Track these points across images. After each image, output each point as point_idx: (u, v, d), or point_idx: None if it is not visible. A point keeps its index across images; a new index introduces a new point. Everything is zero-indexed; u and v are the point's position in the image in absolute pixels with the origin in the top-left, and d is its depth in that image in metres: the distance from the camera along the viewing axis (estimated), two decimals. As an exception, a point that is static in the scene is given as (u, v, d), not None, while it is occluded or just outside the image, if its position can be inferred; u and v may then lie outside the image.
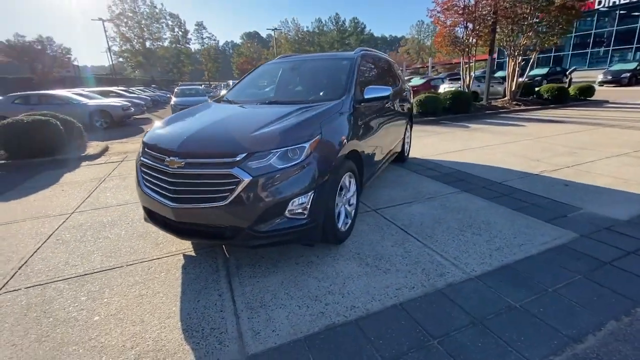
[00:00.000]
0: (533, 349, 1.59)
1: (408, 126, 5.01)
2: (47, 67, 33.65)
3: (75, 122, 7.36)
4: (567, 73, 16.36)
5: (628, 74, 19.91)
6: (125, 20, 47.48)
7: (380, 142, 3.48)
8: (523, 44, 11.55)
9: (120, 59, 51.36)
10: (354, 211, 2.81)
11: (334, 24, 78.28)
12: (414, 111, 9.90)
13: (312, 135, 2.21)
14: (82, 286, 2.26)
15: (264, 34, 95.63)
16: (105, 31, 39.00)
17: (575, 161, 4.79)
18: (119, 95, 16.88)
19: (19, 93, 11.18)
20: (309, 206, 2.14)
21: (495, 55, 29.67)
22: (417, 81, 19.68)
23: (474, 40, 11.66)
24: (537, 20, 11.13)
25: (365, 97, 2.93)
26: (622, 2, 27.03)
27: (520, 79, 12.55)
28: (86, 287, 2.26)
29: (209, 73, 60.21)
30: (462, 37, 11.70)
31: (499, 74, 19.83)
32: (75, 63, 47.21)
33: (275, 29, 62.94)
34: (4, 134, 5.85)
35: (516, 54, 11.72)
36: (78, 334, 1.83)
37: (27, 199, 4.20)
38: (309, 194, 2.12)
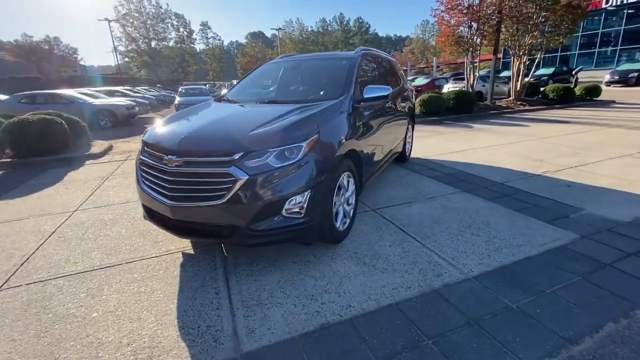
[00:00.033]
0: (528, 350, 1.58)
1: (410, 126, 5.00)
2: (55, 66, 34.04)
3: (80, 121, 7.45)
4: (573, 73, 16.16)
5: (635, 74, 19.64)
6: (131, 20, 47.87)
7: (380, 142, 3.47)
8: (528, 43, 11.46)
9: (126, 59, 51.77)
10: (352, 211, 2.81)
11: (338, 23, 78.29)
12: (417, 111, 9.88)
13: (310, 134, 2.21)
14: (81, 283, 2.29)
15: (268, 34, 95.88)
16: (112, 31, 39.55)
17: (578, 162, 4.74)
18: (124, 95, 17.03)
19: (25, 92, 11.33)
20: (305, 205, 2.14)
21: (501, 55, 29.46)
22: (421, 81, 19.60)
23: (478, 39, 11.59)
24: (543, 19, 11.03)
25: (365, 96, 2.93)
26: (630, 1, 26.66)
27: (525, 79, 12.45)
28: (86, 284, 2.28)
29: (213, 73, 60.53)
30: (466, 37, 11.63)
31: (504, 73, 19.72)
32: (82, 63, 47.77)
33: (280, 28, 63.08)
34: (10, 132, 5.93)
35: (521, 53, 11.63)
36: (76, 330, 1.85)
37: (32, 196, 4.25)
38: (306, 193, 2.12)
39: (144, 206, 2.52)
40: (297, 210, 2.14)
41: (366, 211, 3.28)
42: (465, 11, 11.05)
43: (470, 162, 4.94)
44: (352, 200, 2.79)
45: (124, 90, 18.49)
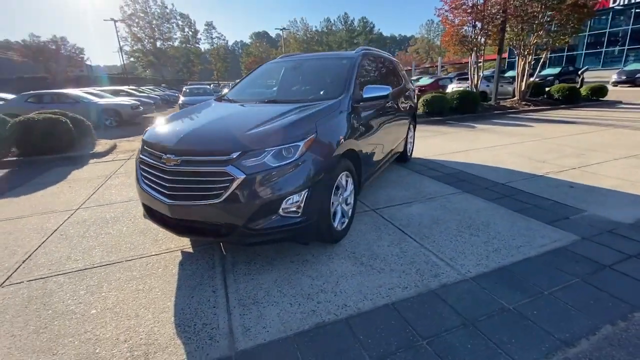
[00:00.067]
0: (523, 351, 1.57)
1: (411, 126, 4.98)
2: (61, 66, 34.42)
3: (85, 121, 7.53)
4: (579, 73, 16.02)
5: (643, 74, 19.39)
6: (136, 20, 48.22)
7: (380, 142, 3.47)
8: (533, 43, 11.35)
9: (132, 59, 52.16)
10: (351, 210, 2.81)
11: (342, 23, 78.19)
12: (420, 111, 9.86)
13: (307, 134, 2.21)
14: (81, 280, 2.32)
15: (273, 34, 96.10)
16: (117, 31, 39.77)
17: (582, 162, 4.70)
18: (129, 95, 17.16)
19: (31, 92, 11.46)
20: (302, 205, 2.14)
21: (506, 55, 29.29)
22: (425, 81, 19.50)
23: (483, 39, 11.51)
24: (548, 18, 10.93)
25: (364, 96, 2.93)
26: (637, 0, 26.32)
27: (530, 79, 12.35)
28: (86, 281, 2.31)
29: (218, 73, 60.74)
30: (470, 36, 11.56)
31: (509, 73, 19.52)
32: (88, 63, 48.26)
33: (284, 28, 63.19)
34: (16, 131, 6.01)
35: (526, 53, 11.53)
36: (75, 326, 1.87)
37: (36, 194, 4.30)
38: (303, 192, 2.13)
39: (144, 205, 2.54)
40: (294, 209, 2.14)
41: (365, 211, 3.28)
42: (469, 10, 10.98)
43: (472, 163, 4.91)
44: (351, 200, 2.79)
45: (129, 90, 18.63)
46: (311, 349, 1.64)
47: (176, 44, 54.85)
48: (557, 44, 11.52)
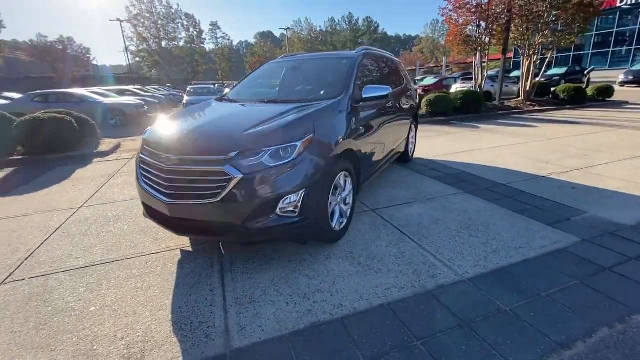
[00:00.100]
0: (518, 353, 1.57)
1: (412, 126, 4.96)
2: (68, 66, 34.85)
3: (89, 120, 7.61)
4: (585, 73, 15.84)
5: (651, 74, 19.13)
6: (142, 20, 48.48)
7: (380, 142, 3.46)
8: (538, 43, 11.26)
9: (137, 59, 52.52)
10: (350, 210, 2.81)
11: (347, 23, 78.11)
12: (424, 111, 9.83)
13: (305, 134, 2.22)
14: (82, 278, 2.34)
15: (277, 34, 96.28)
16: (123, 31, 40.04)
17: (586, 163, 4.65)
18: (134, 94, 17.28)
19: (38, 91, 11.61)
20: (300, 204, 2.15)
21: (512, 55, 29.04)
22: (429, 81, 19.42)
23: (487, 39, 11.44)
24: (554, 18, 10.82)
25: (364, 96, 2.92)
26: (646, -1, 25.98)
27: (536, 79, 12.24)
28: (86, 279, 2.34)
29: (222, 72, 60.95)
30: (475, 36, 11.49)
31: (515, 73, 19.35)
32: (95, 62, 48.81)
33: (288, 28, 63.22)
34: (22, 130, 6.09)
35: (531, 53, 11.44)
36: (74, 323, 1.90)
37: (40, 193, 4.36)
38: (300, 192, 2.14)
39: (144, 204, 2.57)
40: (291, 209, 2.15)
41: (365, 211, 3.28)
42: (473, 10, 10.92)
43: (475, 163, 4.88)
44: (350, 200, 2.79)
45: (134, 90, 18.76)
46: (306, 348, 1.64)
47: (181, 44, 55.10)
48: (562, 44, 11.40)
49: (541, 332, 1.69)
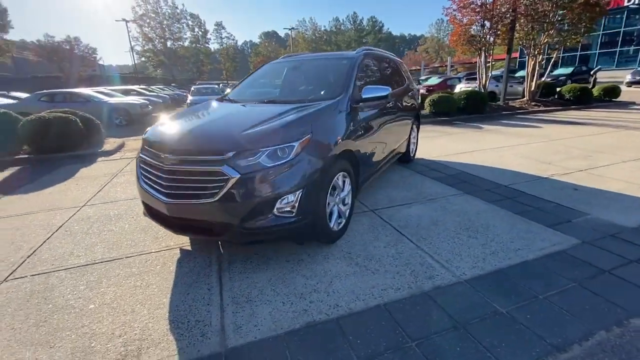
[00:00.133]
0: (513, 356, 1.56)
1: (414, 126, 4.95)
2: (75, 66, 35.20)
3: (94, 119, 7.68)
4: (592, 73, 15.66)
5: (659, 74, 18.88)
6: (147, 20, 48.86)
7: (380, 142, 3.46)
8: (544, 42, 11.16)
9: (143, 58, 52.92)
10: (348, 211, 2.81)
11: (351, 23, 78.03)
12: (427, 111, 9.79)
13: (302, 134, 2.23)
14: (82, 276, 2.37)
15: (282, 34, 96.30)
16: (129, 31, 40.39)
17: (589, 165, 4.60)
18: (139, 94, 17.41)
19: (44, 91, 11.75)
20: (297, 205, 2.16)
21: (517, 54, 28.82)
22: (433, 80, 19.33)
23: (491, 38, 11.36)
24: (559, 17, 10.72)
25: (363, 96, 2.92)
26: (655, -2, 25.63)
27: (541, 79, 12.14)
28: (86, 277, 2.37)
29: (226, 72, 61.17)
30: (479, 36, 11.41)
31: (520, 73, 19.21)
32: (101, 62, 49.28)
33: (293, 28, 63.28)
34: (28, 130, 6.17)
35: (536, 52, 11.34)
36: (73, 320, 1.92)
37: (44, 191, 4.42)
38: (297, 192, 2.14)
39: (144, 203, 2.59)
40: (288, 209, 2.16)
41: (364, 211, 3.28)
42: (478, 10, 10.85)
43: (476, 164, 4.86)
44: (349, 201, 2.79)
45: (139, 89, 18.90)
46: (300, 348, 1.65)
47: (186, 43, 55.43)
48: (568, 44, 11.30)
49: (537, 334, 1.68)
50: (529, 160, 4.95)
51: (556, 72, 21.28)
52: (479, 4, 10.85)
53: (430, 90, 15.25)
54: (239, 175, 2.02)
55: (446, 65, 41.55)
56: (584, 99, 11.64)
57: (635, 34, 27.86)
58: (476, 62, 12.62)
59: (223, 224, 2.15)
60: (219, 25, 66.38)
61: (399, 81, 4.42)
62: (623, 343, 1.61)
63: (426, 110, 9.89)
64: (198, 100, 13.49)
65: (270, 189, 2.08)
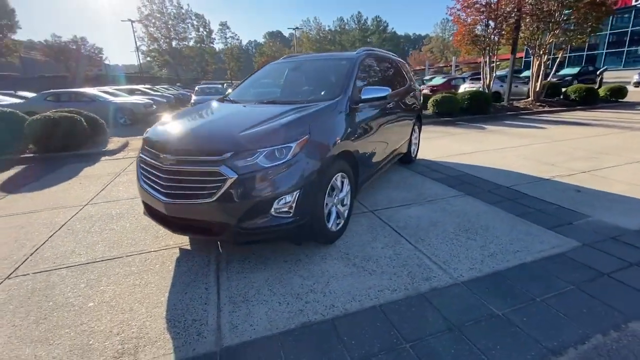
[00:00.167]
0: (508, 359, 1.55)
1: (416, 127, 4.94)
2: (81, 66, 35.58)
3: (98, 119, 7.77)
4: (598, 73, 15.49)
5: (667, 75, 18.60)
6: (153, 20, 49.15)
7: (380, 143, 3.46)
8: (549, 42, 11.05)
9: (148, 58, 53.26)
10: (347, 212, 2.81)
11: (356, 22, 77.90)
12: (430, 111, 9.76)
13: (300, 135, 2.24)
14: (83, 274, 2.40)
15: (286, 34, 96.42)
16: (134, 32, 40.72)
17: (592, 166, 4.56)
18: (144, 94, 17.54)
19: (50, 90, 11.89)
20: (294, 205, 2.17)
21: (522, 54, 28.56)
22: (437, 81, 19.24)
23: (496, 38, 11.28)
24: (565, 17, 10.62)
25: (363, 97, 2.92)
26: (664, -3, 25.27)
27: (547, 79, 12.03)
28: (86, 275, 2.39)
29: (231, 72, 61.38)
30: (483, 36, 11.34)
31: (525, 73, 19.02)
32: (107, 62, 49.72)
33: (297, 28, 63.32)
34: (33, 129, 6.25)
35: (541, 52, 11.24)
36: (72, 318, 1.95)
37: (48, 190, 4.47)
38: (295, 193, 2.15)
39: (144, 202, 2.62)
40: (286, 209, 2.17)
41: (364, 212, 3.28)
42: (482, 9, 10.78)
43: (478, 165, 4.83)
44: (347, 201, 2.80)
45: (144, 89, 19.04)
46: (295, 348, 1.66)
47: (191, 43, 55.65)
48: (574, 44, 11.19)
49: (533, 337, 1.67)
50: (531, 162, 4.92)
51: (562, 72, 21.04)
52: (484, 3, 10.79)
53: (434, 90, 15.19)
54: (236, 176, 2.03)
55: (451, 65, 41.33)
56: (589, 100, 11.52)
57: (643, 34, 27.50)
58: (481, 62, 12.53)
59: (221, 223, 2.16)
60: (224, 25, 66.53)
61: (400, 82, 4.41)
62: (619, 347, 1.59)
63: (429, 111, 9.86)
64: (202, 101, 13.48)
65: (268, 190, 2.09)
